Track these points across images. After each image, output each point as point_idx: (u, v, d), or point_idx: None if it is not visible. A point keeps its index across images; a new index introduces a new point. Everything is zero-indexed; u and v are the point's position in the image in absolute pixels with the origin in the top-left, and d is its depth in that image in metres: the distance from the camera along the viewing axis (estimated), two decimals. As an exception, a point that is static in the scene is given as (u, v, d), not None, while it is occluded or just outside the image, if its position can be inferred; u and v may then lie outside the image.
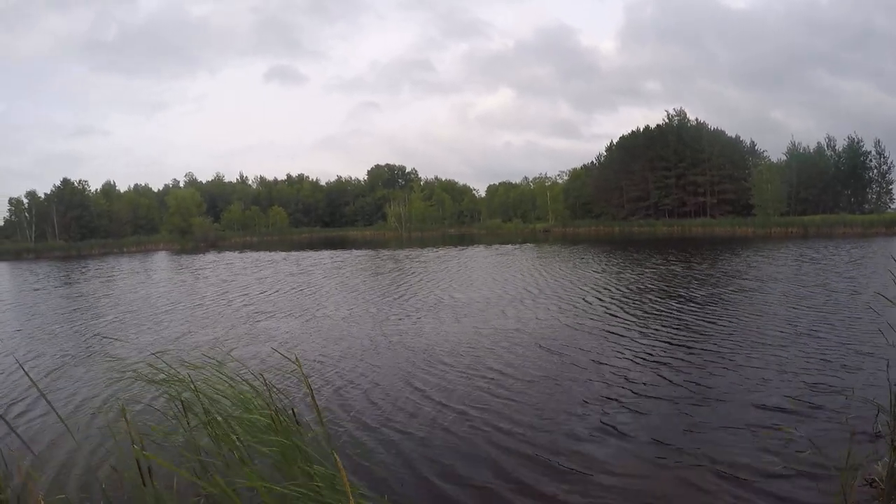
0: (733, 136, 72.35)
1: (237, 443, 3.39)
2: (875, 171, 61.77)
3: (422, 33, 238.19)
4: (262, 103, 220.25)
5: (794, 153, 65.60)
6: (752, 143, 72.27)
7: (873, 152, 61.70)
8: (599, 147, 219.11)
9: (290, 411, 3.78)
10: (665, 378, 6.96)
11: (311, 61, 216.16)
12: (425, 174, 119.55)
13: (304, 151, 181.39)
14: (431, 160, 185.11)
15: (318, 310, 13.53)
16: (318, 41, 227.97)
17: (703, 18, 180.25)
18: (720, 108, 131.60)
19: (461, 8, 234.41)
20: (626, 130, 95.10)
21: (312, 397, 3.82)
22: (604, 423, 5.54)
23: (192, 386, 3.65)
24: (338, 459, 2.57)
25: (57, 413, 3.38)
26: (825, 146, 64.94)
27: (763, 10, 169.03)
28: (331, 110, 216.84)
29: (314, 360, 8.37)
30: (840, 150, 63.85)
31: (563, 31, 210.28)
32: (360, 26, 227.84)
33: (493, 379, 7.22)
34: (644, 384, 6.76)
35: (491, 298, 14.05)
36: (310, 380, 7.03)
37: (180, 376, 3.84)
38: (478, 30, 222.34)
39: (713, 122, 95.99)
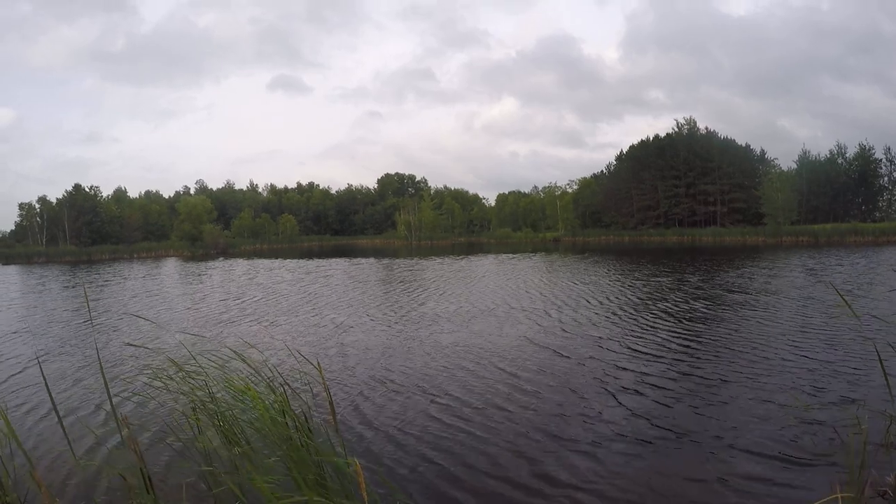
0: (743, 144, 71.78)
1: (245, 445, 3.35)
2: (886, 178, 60.83)
3: (421, 43, 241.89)
4: (269, 112, 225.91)
5: (805, 161, 64.85)
6: (763, 152, 71.52)
7: (884, 160, 60.81)
8: (605, 156, 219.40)
9: (304, 417, 3.69)
10: (632, 412, 6.01)
11: (313, 71, 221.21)
12: (434, 183, 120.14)
13: (312, 160, 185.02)
14: (438, 169, 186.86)
15: (284, 316, 13.51)
16: (318, 51, 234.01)
17: (703, 26, 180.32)
18: (726, 117, 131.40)
19: (459, 17, 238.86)
20: (631, 139, 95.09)
21: (330, 403, 3.62)
22: (552, 471, 4.65)
23: (208, 388, 3.56)
24: (359, 467, 2.49)
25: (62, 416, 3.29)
26: (835, 154, 64.15)
27: (764, 17, 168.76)
28: (336, 120, 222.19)
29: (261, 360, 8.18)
30: (850, 157, 63.02)
31: (565, 41, 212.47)
32: (359, 36, 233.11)
33: (435, 402, 6.55)
34: (606, 421, 5.76)
35: (463, 309, 13.86)
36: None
37: (189, 378, 3.75)
38: (477, 39, 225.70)
39: (720, 131, 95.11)
